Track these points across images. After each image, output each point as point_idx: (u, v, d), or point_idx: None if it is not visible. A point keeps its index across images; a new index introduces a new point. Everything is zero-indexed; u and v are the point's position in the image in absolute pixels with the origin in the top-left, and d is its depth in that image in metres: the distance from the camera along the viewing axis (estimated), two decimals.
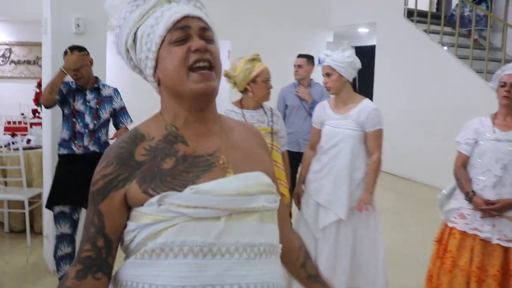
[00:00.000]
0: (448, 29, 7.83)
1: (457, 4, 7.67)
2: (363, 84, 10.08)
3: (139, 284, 1.07)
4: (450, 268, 2.73)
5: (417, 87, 7.58)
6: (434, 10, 8.40)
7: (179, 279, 1.03)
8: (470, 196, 2.70)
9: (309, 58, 4.57)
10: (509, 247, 2.63)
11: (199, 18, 1.13)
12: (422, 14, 7.90)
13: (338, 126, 2.98)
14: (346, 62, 2.91)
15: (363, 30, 10.24)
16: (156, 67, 1.14)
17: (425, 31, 7.62)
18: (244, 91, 2.93)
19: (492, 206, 2.62)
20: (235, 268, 1.06)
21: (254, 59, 2.89)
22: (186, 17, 1.11)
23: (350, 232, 2.96)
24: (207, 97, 1.13)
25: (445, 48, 7.37)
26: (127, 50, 1.18)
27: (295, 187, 3.31)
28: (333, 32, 10.39)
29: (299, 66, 4.51)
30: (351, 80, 3.00)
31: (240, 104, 2.98)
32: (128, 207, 1.10)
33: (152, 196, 1.06)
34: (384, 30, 8.57)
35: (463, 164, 2.82)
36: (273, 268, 1.14)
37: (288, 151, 3.30)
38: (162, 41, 1.11)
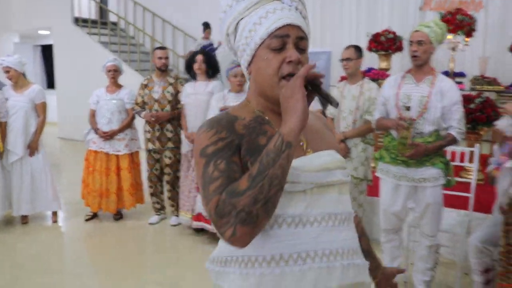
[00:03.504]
0: (105, 31, 10.54)
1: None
2: (50, 76, 12.03)
3: (244, 257, 1.17)
4: (90, 172, 5.30)
5: (88, 76, 9.74)
6: (96, 18, 11.03)
7: (277, 249, 1.13)
8: (96, 130, 5.28)
9: None
10: (118, 154, 5.31)
11: (299, 27, 1.17)
12: (86, 20, 10.50)
13: (17, 100, 5.12)
14: (16, 62, 5.08)
15: (44, 32, 12.06)
16: (251, 61, 1.20)
17: (88, 33, 10.22)
18: None
19: (107, 134, 5.26)
20: (323, 235, 1.16)
21: None
22: (287, 25, 1.14)
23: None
24: None
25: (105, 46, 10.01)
26: (227, 35, 1.24)
27: None
28: (19, 34, 12.04)
29: None
30: (23, 71, 5.17)
31: None
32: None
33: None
34: (58, 32, 10.85)
35: (92, 114, 5.37)
36: (353, 234, 1.25)
37: None
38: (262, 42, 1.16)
